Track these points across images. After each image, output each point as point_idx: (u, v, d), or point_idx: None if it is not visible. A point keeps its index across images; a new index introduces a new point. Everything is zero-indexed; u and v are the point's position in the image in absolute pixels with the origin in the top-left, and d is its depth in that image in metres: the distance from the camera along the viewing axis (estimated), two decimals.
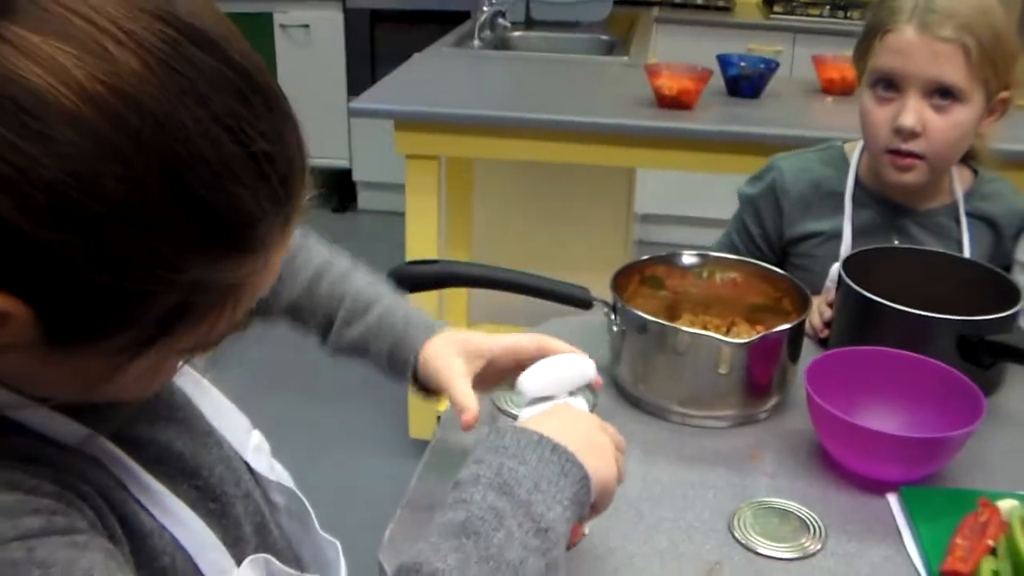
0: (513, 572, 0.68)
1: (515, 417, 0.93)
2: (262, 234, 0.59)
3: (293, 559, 0.88)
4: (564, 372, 0.95)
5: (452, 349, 1.02)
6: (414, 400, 2.74)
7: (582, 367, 0.96)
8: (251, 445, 0.88)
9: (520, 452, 0.75)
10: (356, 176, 4.46)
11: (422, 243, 2.51)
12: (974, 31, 1.36)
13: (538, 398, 0.94)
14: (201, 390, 0.84)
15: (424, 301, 2.56)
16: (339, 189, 4.51)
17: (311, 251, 1.08)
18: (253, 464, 0.86)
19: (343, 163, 4.40)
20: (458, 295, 3.16)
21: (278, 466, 0.91)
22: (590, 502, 0.79)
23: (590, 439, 0.82)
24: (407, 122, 2.45)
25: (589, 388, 0.99)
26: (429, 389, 1.04)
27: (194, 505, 0.74)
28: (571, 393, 0.95)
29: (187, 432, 0.79)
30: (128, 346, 0.60)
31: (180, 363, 0.68)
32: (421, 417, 2.76)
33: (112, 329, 0.58)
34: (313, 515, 0.89)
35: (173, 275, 0.56)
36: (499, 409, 0.96)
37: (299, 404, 2.93)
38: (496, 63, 3.07)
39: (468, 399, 0.97)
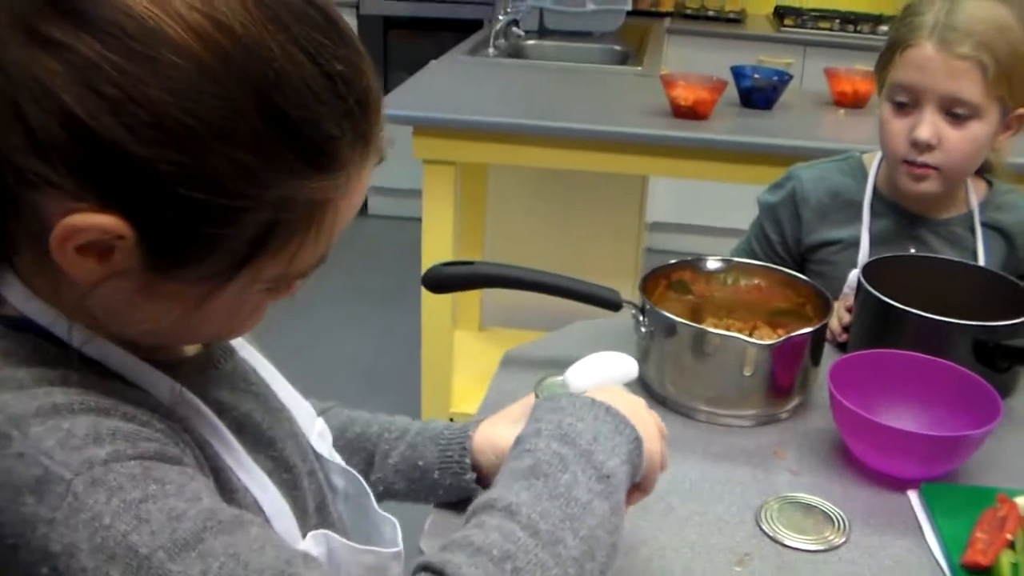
0: (581, 509, 0.70)
1: None
2: (341, 154, 0.64)
3: (349, 539, 0.91)
4: (609, 369, 0.98)
5: (498, 423, 1.03)
6: (426, 401, 2.78)
7: (626, 365, 0.99)
8: (316, 431, 0.91)
9: (576, 411, 0.79)
10: None
11: (438, 248, 2.55)
12: (992, 49, 1.41)
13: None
14: (272, 374, 0.88)
15: (438, 306, 2.62)
16: None
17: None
18: (318, 447, 0.90)
19: None
20: (471, 301, 3.20)
21: (336, 454, 0.95)
22: (642, 465, 0.82)
23: (636, 412, 0.84)
24: (425, 128, 2.49)
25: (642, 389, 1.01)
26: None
27: (270, 473, 0.77)
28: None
29: (263, 405, 0.82)
30: (219, 271, 0.64)
31: (265, 304, 0.72)
32: (435, 417, 2.79)
33: (205, 250, 0.63)
34: (372, 495, 0.92)
35: (262, 191, 0.62)
36: (537, 397, 1.00)
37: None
38: (511, 71, 3.11)
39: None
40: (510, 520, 0.68)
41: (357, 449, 1.04)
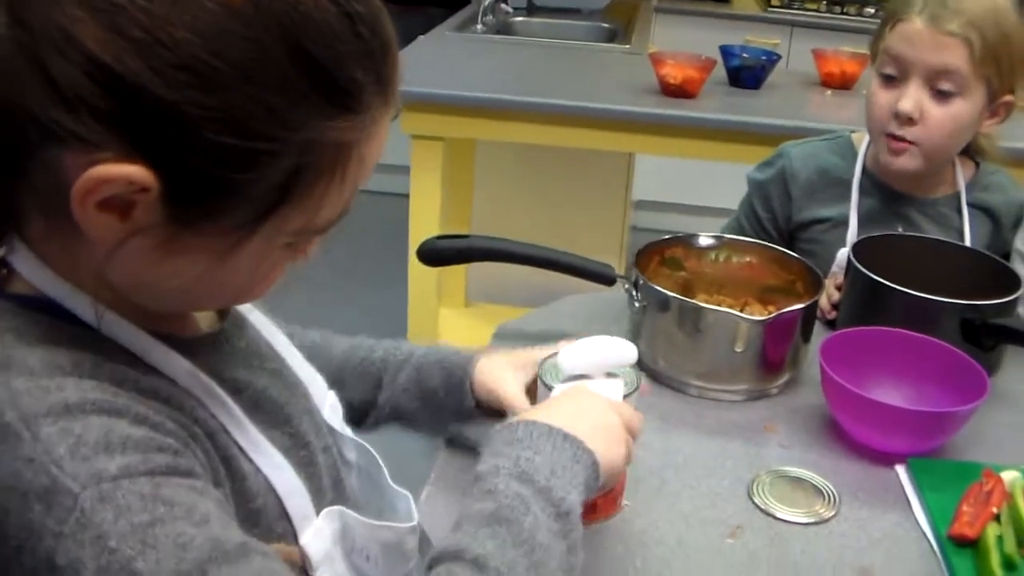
0: (544, 553, 0.71)
1: (550, 389, 0.98)
2: (364, 96, 0.64)
3: (363, 513, 0.92)
4: (603, 353, 0.97)
5: (500, 363, 1.05)
6: None
7: (622, 351, 0.98)
8: (328, 403, 0.91)
9: (534, 443, 0.79)
10: None
11: (425, 223, 2.55)
12: (980, 28, 1.42)
13: (574, 375, 0.97)
14: (285, 346, 0.88)
15: (423, 282, 2.62)
16: None
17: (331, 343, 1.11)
18: (330, 421, 0.90)
19: None
20: (457, 277, 3.20)
21: (347, 428, 0.95)
22: (598, 486, 0.83)
23: (598, 423, 0.85)
24: (413, 103, 2.48)
25: (633, 371, 1.01)
26: (491, 411, 1.06)
27: (286, 451, 0.77)
28: (608, 374, 0.98)
29: (280, 381, 0.82)
30: (244, 221, 0.64)
31: (284, 264, 0.72)
32: None
33: (230, 198, 0.62)
34: (385, 470, 0.92)
35: (289, 133, 0.61)
36: (544, 384, 1.01)
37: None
38: (499, 48, 3.11)
39: (522, 405, 1.01)
40: (480, 574, 0.68)
41: (364, 373, 1.06)
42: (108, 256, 0.63)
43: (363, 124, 0.65)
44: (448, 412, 1.06)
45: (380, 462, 0.91)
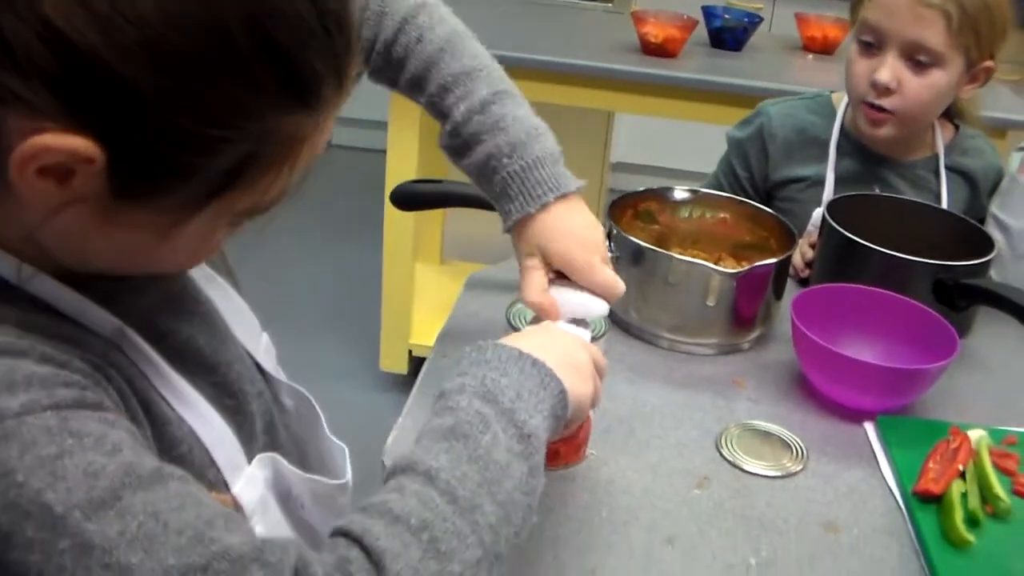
0: (500, 471, 0.70)
1: (517, 331, 0.96)
2: (324, 91, 0.63)
3: (298, 461, 0.90)
4: (571, 301, 0.96)
5: (541, 241, 0.97)
6: (386, 333, 2.78)
7: (592, 304, 0.96)
8: (261, 347, 0.90)
9: (501, 365, 0.78)
10: None
11: (402, 178, 2.51)
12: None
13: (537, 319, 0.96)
14: (217, 286, 0.85)
15: (399, 238, 2.60)
16: None
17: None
18: (264, 365, 0.88)
19: None
20: (432, 233, 3.19)
21: (280, 371, 0.93)
22: (566, 417, 0.82)
23: (569, 357, 0.84)
24: None
25: (601, 320, 1.00)
26: None
27: (212, 400, 0.75)
28: (575, 321, 0.96)
29: (208, 328, 0.80)
30: (188, 201, 0.62)
31: (225, 235, 0.70)
32: (392, 351, 2.80)
33: (178, 179, 0.60)
34: (323, 418, 0.91)
35: (246, 122, 0.60)
36: (511, 325, 1.00)
37: (268, 337, 2.95)
38: (478, 4, 3.06)
39: (546, 300, 0.96)
40: (429, 486, 0.67)
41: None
42: (42, 222, 0.61)
43: (320, 119, 0.64)
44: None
45: (318, 410, 0.89)
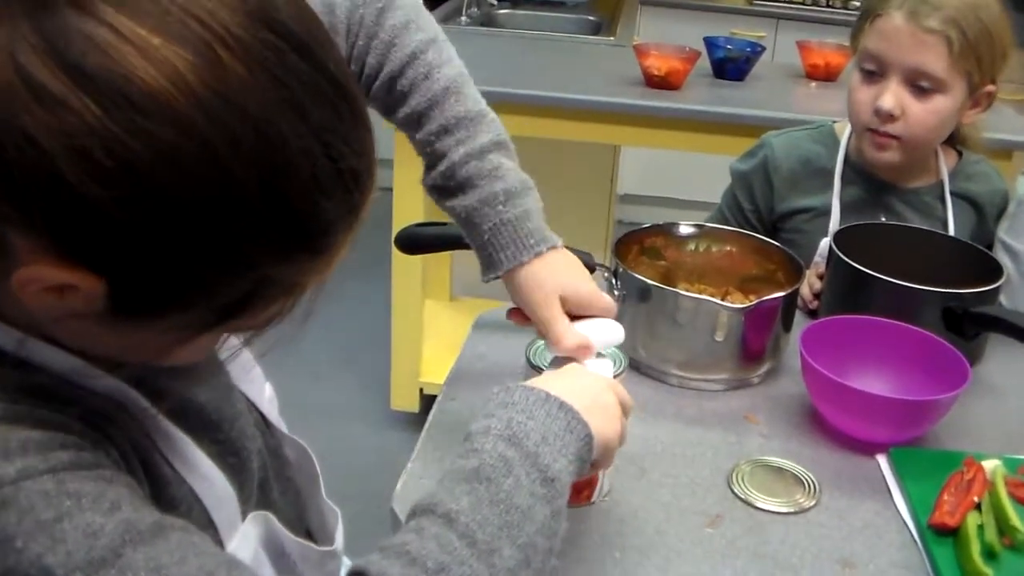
0: (521, 515, 0.70)
1: (541, 371, 0.97)
2: (335, 239, 0.62)
3: (295, 518, 0.90)
4: (593, 336, 0.96)
5: (552, 287, 0.98)
6: (396, 372, 2.77)
7: (612, 332, 0.97)
8: (265, 397, 0.89)
9: (528, 408, 0.78)
10: None
11: (408, 216, 2.52)
12: (960, 24, 1.41)
13: (564, 357, 0.96)
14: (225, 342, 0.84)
15: (408, 276, 2.60)
16: None
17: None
18: (268, 416, 0.88)
19: None
20: (441, 271, 3.19)
21: (283, 423, 0.93)
22: (591, 459, 0.82)
23: (596, 399, 0.84)
24: None
25: (619, 352, 1.02)
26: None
27: (215, 458, 0.75)
28: (598, 354, 0.97)
29: (211, 384, 0.80)
30: (190, 326, 0.62)
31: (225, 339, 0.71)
32: (402, 389, 2.79)
33: (177, 311, 0.60)
34: (320, 478, 0.90)
35: (248, 270, 0.59)
36: (531, 365, 1.00)
37: (279, 377, 2.94)
38: (483, 40, 3.09)
39: (573, 339, 0.96)
40: (448, 528, 0.67)
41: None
42: (48, 323, 0.61)
43: (328, 261, 0.64)
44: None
45: (316, 468, 0.89)
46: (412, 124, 1.02)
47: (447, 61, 1.02)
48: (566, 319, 0.97)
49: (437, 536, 0.66)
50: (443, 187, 1.01)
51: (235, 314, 0.62)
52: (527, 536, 0.69)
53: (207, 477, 0.74)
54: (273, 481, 0.86)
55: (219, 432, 0.78)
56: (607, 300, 0.99)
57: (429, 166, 1.01)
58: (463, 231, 1.01)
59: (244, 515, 0.77)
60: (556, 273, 0.99)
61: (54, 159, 0.52)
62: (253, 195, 0.56)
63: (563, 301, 0.97)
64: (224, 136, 0.54)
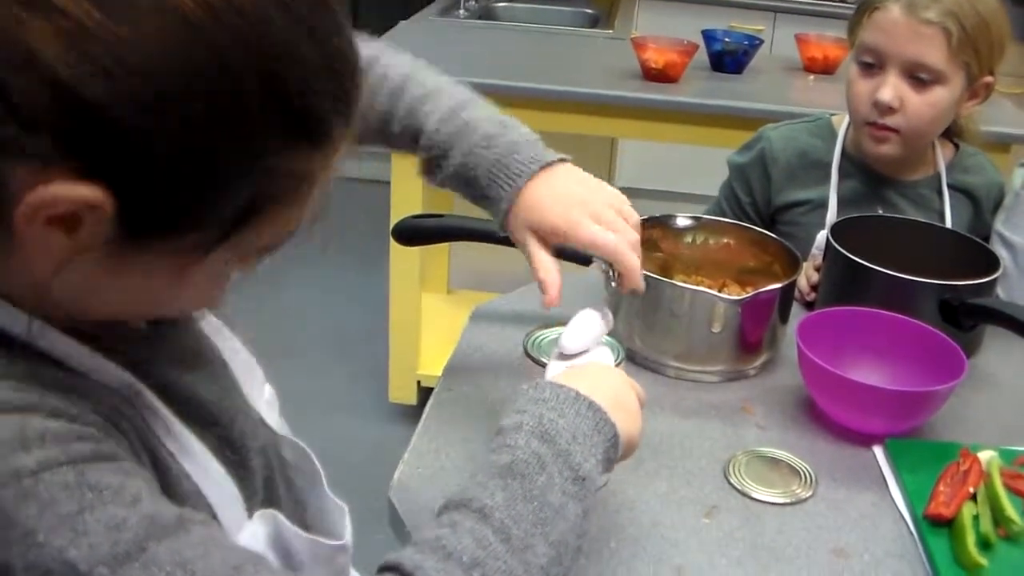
0: (554, 513, 0.71)
1: (543, 365, 0.97)
2: (332, 129, 0.63)
3: (297, 518, 0.89)
4: (595, 327, 0.97)
5: (524, 221, 1.00)
6: (394, 364, 2.78)
7: (605, 319, 0.98)
8: (264, 398, 0.89)
9: (559, 406, 0.78)
10: None
11: (406, 209, 2.50)
12: (958, 16, 1.41)
13: (573, 353, 0.96)
14: (223, 337, 0.84)
15: (405, 268, 2.61)
16: None
17: (390, 62, 1.06)
18: (267, 418, 0.87)
19: None
20: (439, 263, 3.19)
21: (284, 423, 0.93)
22: (616, 459, 0.82)
23: (618, 397, 0.84)
24: None
25: (615, 341, 1.02)
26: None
27: (215, 452, 0.74)
28: (599, 344, 0.98)
29: (214, 381, 0.79)
30: (198, 244, 0.61)
31: (234, 276, 0.70)
32: (400, 382, 2.79)
33: (189, 221, 0.60)
34: (323, 475, 0.89)
35: (254, 163, 0.59)
36: (529, 357, 1.00)
37: (276, 370, 2.93)
38: (481, 33, 3.09)
39: (551, 275, 0.99)
40: (483, 524, 0.67)
41: (413, 143, 1.04)
42: (50, 273, 0.60)
43: (327, 155, 0.64)
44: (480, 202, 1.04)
45: (318, 466, 0.88)
46: (386, 122, 1.04)
47: (395, 64, 1.06)
48: (540, 251, 0.99)
49: (472, 531, 0.67)
50: (431, 161, 1.03)
51: (245, 222, 0.62)
52: (559, 534, 0.70)
53: (209, 472, 0.73)
54: (278, 479, 0.86)
55: (219, 427, 0.77)
56: (588, 234, 0.98)
57: (417, 150, 1.03)
58: (466, 195, 1.03)
59: (250, 513, 0.77)
60: (536, 201, 1.00)
61: (56, 68, 0.53)
62: (252, 83, 0.57)
63: (536, 231, 0.99)
64: (222, 27, 0.55)
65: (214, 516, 0.72)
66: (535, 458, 0.73)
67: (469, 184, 1.01)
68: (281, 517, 0.78)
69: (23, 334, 0.63)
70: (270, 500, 0.82)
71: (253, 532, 0.76)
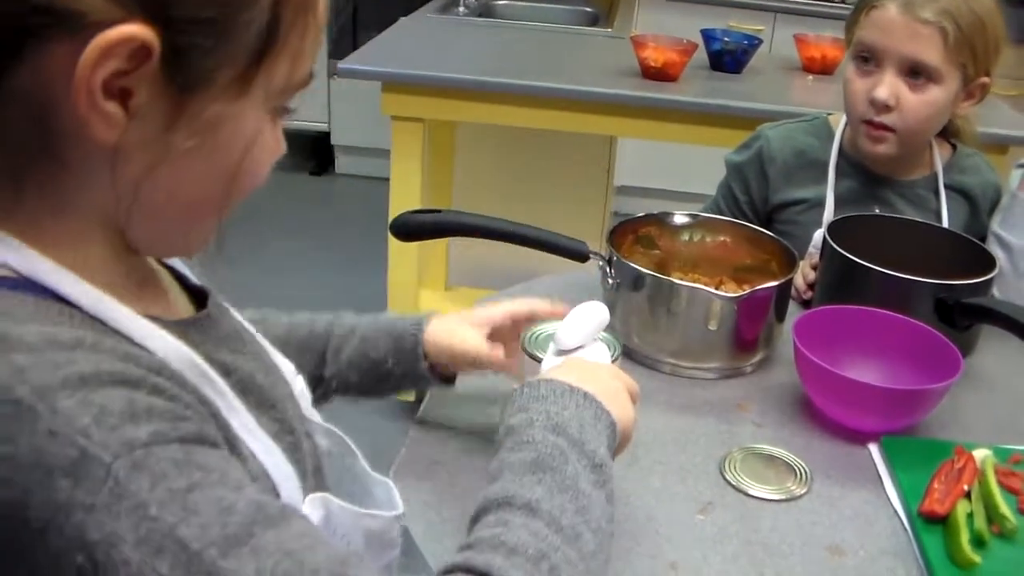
0: (588, 501, 0.71)
1: (538, 359, 0.98)
2: None
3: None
4: (592, 322, 0.97)
5: (455, 321, 1.07)
6: None
7: (601, 314, 0.98)
8: (297, 389, 0.89)
9: (559, 400, 0.79)
10: (334, 140, 4.47)
11: (405, 205, 2.51)
12: (955, 16, 1.42)
13: (568, 349, 0.97)
14: (250, 328, 0.85)
15: (403, 264, 2.61)
16: (317, 152, 4.52)
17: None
18: (301, 407, 0.88)
19: (322, 126, 4.40)
20: (437, 260, 3.19)
21: (316, 414, 0.93)
22: (615, 447, 0.83)
23: (610, 388, 0.85)
24: (394, 84, 2.47)
25: (611, 337, 1.02)
26: (444, 376, 1.08)
27: (274, 437, 0.74)
28: (596, 339, 0.99)
29: (263, 365, 0.80)
30: (236, 75, 0.63)
31: (275, 139, 0.71)
32: None
33: (222, 49, 0.62)
34: (360, 456, 0.89)
35: None
36: (525, 351, 1.00)
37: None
38: (481, 30, 3.09)
39: (489, 354, 1.04)
40: (533, 518, 0.68)
41: (307, 349, 1.05)
42: (117, 162, 0.62)
43: None
44: (396, 379, 1.06)
45: (354, 448, 0.88)
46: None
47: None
48: (482, 340, 1.05)
49: (526, 526, 0.67)
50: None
51: (265, 53, 0.64)
52: (596, 520, 0.71)
53: (272, 453, 0.72)
54: (322, 464, 0.86)
55: (276, 411, 0.77)
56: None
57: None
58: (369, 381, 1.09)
59: (303, 497, 0.76)
60: (450, 319, 1.08)
61: None
62: None
63: (474, 325, 1.07)
64: None
65: (277, 496, 0.72)
66: (557, 450, 0.74)
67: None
68: (332, 499, 0.78)
69: (92, 308, 0.62)
70: (319, 486, 0.82)
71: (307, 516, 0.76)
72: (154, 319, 0.67)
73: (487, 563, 0.63)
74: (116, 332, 0.63)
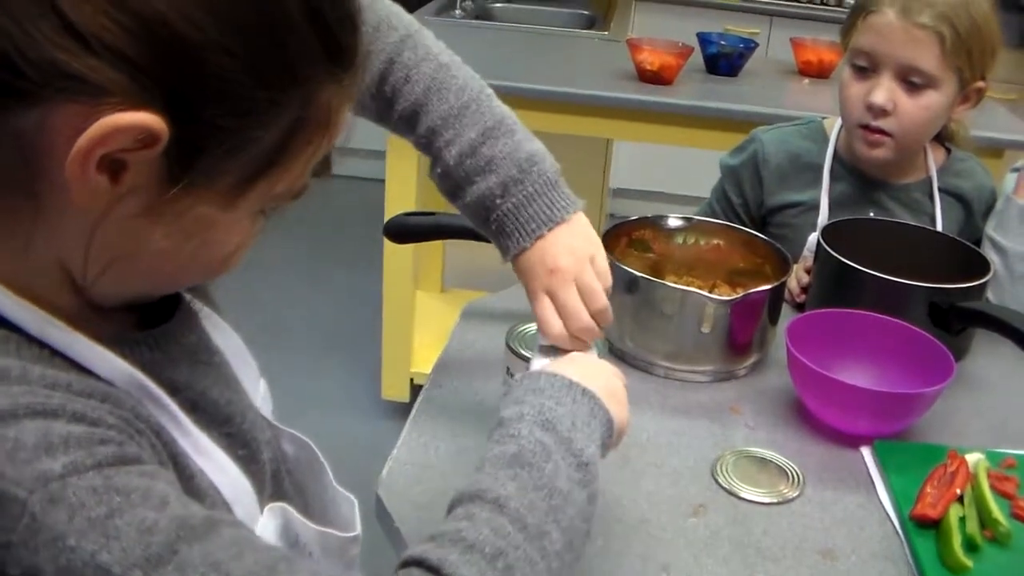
0: (563, 499, 0.71)
1: (525, 359, 0.97)
2: (354, 58, 0.65)
3: (303, 510, 0.89)
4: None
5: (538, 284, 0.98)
6: (387, 362, 2.78)
7: None
8: (259, 394, 0.88)
9: (556, 394, 0.79)
10: None
11: (401, 207, 2.51)
12: (952, 21, 1.42)
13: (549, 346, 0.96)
14: (222, 332, 0.83)
15: (399, 266, 2.61)
16: None
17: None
18: (263, 411, 0.87)
19: None
20: (433, 262, 3.19)
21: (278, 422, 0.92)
22: (610, 444, 0.84)
23: (608, 385, 0.85)
24: None
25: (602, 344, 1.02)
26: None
27: (227, 451, 0.74)
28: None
29: (221, 378, 0.79)
30: (236, 182, 0.63)
31: (255, 234, 0.70)
32: (393, 379, 2.79)
33: (231, 152, 0.61)
34: (327, 468, 0.89)
35: (296, 87, 0.61)
36: (511, 350, 1.00)
37: (269, 365, 2.92)
38: (477, 33, 3.09)
39: (546, 316, 0.96)
40: (499, 514, 0.68)
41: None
42: (89, 228, 0.61)
43: (349, 85, 0.66)
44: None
45: (321, 458, 0.88)
46: (405, 128, 1.03)
47: (424, 58, 1.01)
48: (540, 294, 0.96)
49: (489, 521, 0.67)
50: (445, 188, 1.02)
51: (281, 153, 0.63)
52: (568, 519, 0.71)
53: (223, 469, 0.73)
54: (283, 473, 0.86)
55: (230, 426, 0.76)
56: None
57: (432, 165, 1.02)
58: (476, 227, 1.02)
59: (261, 508, 0.76)
60: (542, 259, 0.97)
61: None
62: (293, 3, 0.60)
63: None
64: None
65: (230, 512, 0.72)
66: (540, 447, 0.74)
67: (479, 222, 1.00)
68: (291, 510, 0.78)
69: (35, 331, 0.62)
70: (278, 493, 0.82)
71: (264, 526, 0.75)
72: (105, 338, 0.66)
73: (441, 558, 0.63)
74: (54, 354, 0.63)
